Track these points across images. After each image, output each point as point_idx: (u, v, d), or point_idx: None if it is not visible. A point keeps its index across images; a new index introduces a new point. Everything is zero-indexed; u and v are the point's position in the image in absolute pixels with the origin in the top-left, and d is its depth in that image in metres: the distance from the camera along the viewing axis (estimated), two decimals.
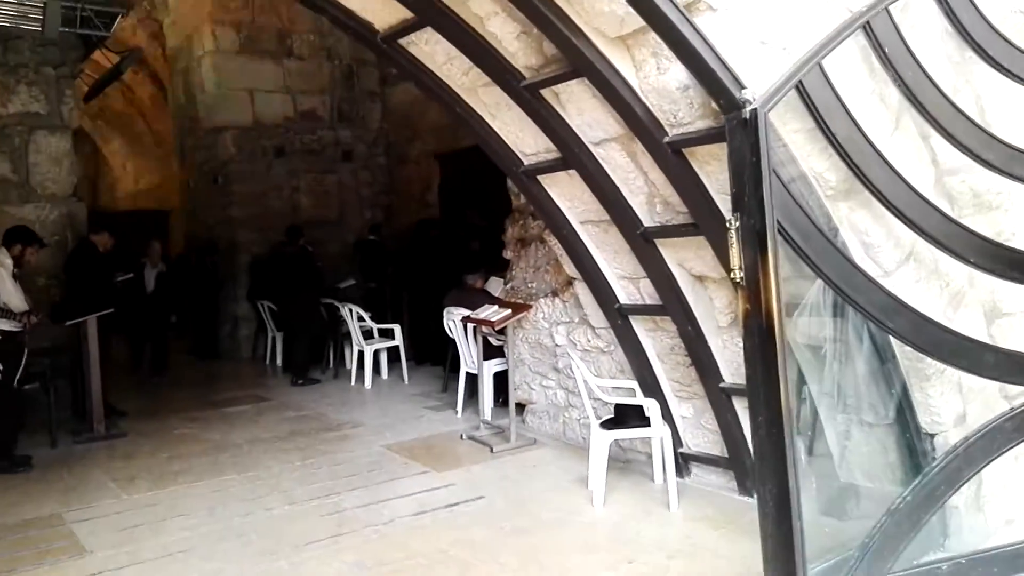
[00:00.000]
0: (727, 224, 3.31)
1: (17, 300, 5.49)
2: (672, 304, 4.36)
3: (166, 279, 9.27)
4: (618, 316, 4.74)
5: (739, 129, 3.29)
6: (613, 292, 4.71)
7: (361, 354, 8.13)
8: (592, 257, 4.64)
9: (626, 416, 4.70)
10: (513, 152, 4.54)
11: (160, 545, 4.07)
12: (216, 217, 10.99)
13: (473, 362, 6.47)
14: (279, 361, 9.42)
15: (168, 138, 13.10)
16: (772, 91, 3.32)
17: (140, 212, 15.33)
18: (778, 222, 3.31)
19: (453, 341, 6.77)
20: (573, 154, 4.10)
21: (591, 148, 4.06)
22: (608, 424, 4.68)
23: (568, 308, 5.48)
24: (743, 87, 3.28)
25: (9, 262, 5.52)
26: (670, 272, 4.28)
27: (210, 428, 6.48)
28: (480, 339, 6.03)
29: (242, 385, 8.41)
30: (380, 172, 11.81)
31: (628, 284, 4.68)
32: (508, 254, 6.16)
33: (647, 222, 4.20)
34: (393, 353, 8.38)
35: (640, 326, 4.78)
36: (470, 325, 6.26)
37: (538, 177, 4.52)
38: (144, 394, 8.09)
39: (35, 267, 7.00)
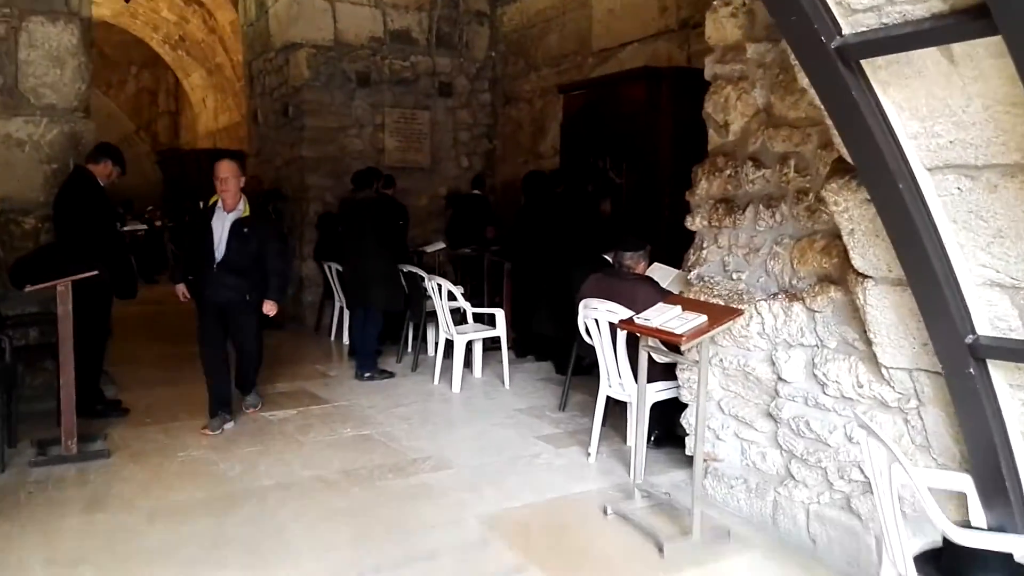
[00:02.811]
0: None
1: None
2: None
3: None
4: (967, 356, 2.40)
5: None
6: (966, 311, 2.36)
7: (449, 343, 6.02)
8: (938, 237, 2.28)
9: (963, 552, 2.41)
10: (823, 5, 2.13)
11: None
12: (284, 157, 9.20)
13: (622, 384, 4.23)
14: (346, 339, 7.39)
15: None
16: None
17: (216, 152, 13.56)
18: None
19: (579, 338, 4.54)
20: None
21: None
22: (931, 565, 2.40)
23: (819, 322, 3.16)
24: None
25: None
26: None
27: (231, 450, 4.42)
28: (646, 354, 3.77)
29: (294, 373, 6.32)
30: (483, 112, 9.75)
31: (1001, 298, 2.33)
32: (695, 223, 3.83)
33: None
34: (489, 341, 6.29)
35: (1003, 378, 2.45)
36: (624, 331, 4.02)
37: (864, 64, 2.12)
38: (173, 373, 6.11)
39: (18, 201, 5.10)
